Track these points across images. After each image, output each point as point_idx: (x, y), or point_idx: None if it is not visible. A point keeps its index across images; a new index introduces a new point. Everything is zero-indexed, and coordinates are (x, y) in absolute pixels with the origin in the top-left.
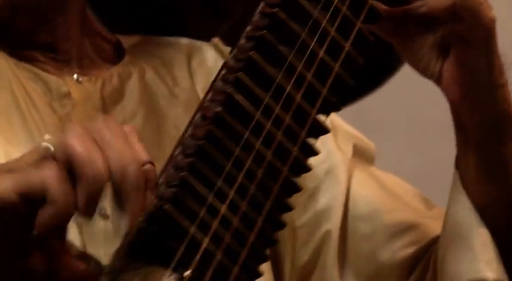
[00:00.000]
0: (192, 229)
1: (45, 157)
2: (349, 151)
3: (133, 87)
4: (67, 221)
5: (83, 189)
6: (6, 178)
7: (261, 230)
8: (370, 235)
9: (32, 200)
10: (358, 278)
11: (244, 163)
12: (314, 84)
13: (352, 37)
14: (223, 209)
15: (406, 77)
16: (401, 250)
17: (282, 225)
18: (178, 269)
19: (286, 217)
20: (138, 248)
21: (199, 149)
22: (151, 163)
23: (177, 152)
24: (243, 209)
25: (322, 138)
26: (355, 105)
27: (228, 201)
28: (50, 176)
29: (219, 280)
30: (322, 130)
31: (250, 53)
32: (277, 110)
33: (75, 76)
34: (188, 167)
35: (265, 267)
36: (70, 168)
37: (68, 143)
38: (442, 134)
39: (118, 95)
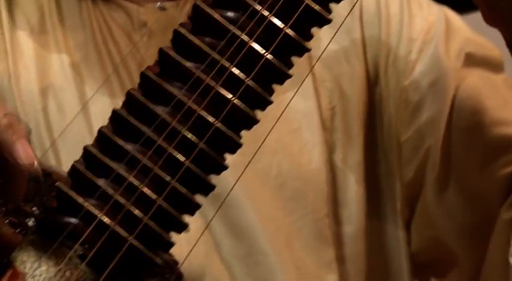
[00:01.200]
0: (85, 203)
1: None
2: (461, 59)
3: None
4: None
5: None
6: None
7: (173, 194)
8: (477, 148)
9: None
10: (462, 194)
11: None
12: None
13: None
14: (129, 175)
15: None
16: (503, 167)
17: (210, 187)
18: (76, 245)
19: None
20: (42, 225)
21: (113, 115)
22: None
23: None
24: (153, 172)
25: (429, 45)
26: None
27: (133, 165)
28: None
29: (115, 251)
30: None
31: None
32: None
33: (158, 4)
34: (97, 138)
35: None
36: None
37: None
38: None
39: None
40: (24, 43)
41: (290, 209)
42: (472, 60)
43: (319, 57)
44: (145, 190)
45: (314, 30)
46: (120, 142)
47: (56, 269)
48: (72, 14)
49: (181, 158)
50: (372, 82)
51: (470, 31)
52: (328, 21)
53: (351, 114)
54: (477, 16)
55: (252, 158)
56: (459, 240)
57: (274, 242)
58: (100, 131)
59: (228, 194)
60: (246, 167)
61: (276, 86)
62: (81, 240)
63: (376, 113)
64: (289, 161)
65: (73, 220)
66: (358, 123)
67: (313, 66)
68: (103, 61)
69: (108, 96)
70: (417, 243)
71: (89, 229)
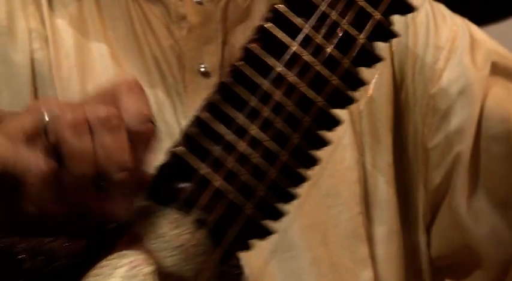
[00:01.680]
0: (204, 169)
1: (38, 129)
2: (487, 68)
3: (259, 7)
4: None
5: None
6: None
7: (285, 167)
8: (506, 155)
9: (12, 178)
10: (491, 200)
11: (272, 97)
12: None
13: None
14: (241, 146)
15: None
16: None
17: (314, 161)
18: (191, 211)
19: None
20: (155, 192)
21: (221, 87)
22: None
23: None
24: (266, 145)
25: (455, 54)
26: None
27: (248, 137)
28: (33, 164)
29: (232, 220)
30: (373, 58)
31: None
32: (318, 39)
33: None
34: (206, 106)
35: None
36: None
37: (62, 123)
38: None
39: (242, 16)
40: (65, 32)
41: (326, 205)
42: (496, 69)
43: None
44: (258, 160)
45: None
46: (231, 111)
47: (173, 233)
48: (110, 5)
49: (288, 131)
50: (398, 88)
51: (492, 42)
52: (412, 10)
53: (378, 118)
54: (494, 28)
55: None
56: (487, 245)
57: (310, 237)
58: (209, 100)
59: None
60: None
61: None
62: (198, 205)
63: (402, 119)
64: (324, 158)
65: (188, 185)
66: (385, 127)
67: None
68: (143, 52)
69: (148, 87)
70: (438, 247)
71: (205, 194)
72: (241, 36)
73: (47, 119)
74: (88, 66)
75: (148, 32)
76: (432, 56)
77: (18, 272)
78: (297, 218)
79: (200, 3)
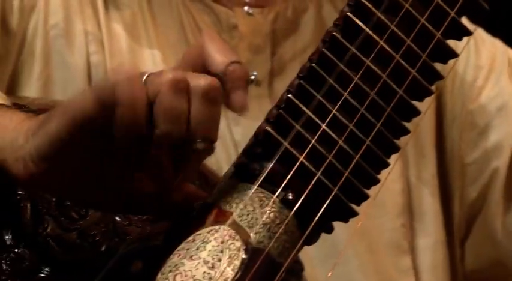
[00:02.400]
0: (291, 149)
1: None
2: None
3: (308, 21)
4: (137, 125)
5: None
6: (88, 91)
7: (369, 152)
8: None
9: (108, 106)
10: None
11: (355, 84)
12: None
13: None
14: (328, 129)
15: None
16: None
17: (395, 148)
18: (278, 189)
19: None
20: (243, 169)
21: (309, 71)
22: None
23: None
24: (350, 129)
25: (495, 74)
26: None
27: (334, 122)
28: (122, 81)
29: (318, 200)
30: (449, 54)
31: None
32: (397, 31)
33: (245, 8)
34: (295, 88)
35: (436, 208)
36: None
37: (164, 78)
38: None
39: (290, 29)
40: (119, 36)
41: (372, 215)
42: None
43: None
44: (343, 145)
45: None
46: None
47: (260, 211)
48: (163, 12)
49: (371, 119)
50: (438, 103)
51: None
52: (486, 11)
53: (422, 131)
54: None
55: None
56: None
57: (356, 245)
58: (299, 83)
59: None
60: None
61: None
62: (284, 184)
63: (443, 132)
64: None
65: (275, 164)
66: (429, 139)
67: None
68: None
69: None
70: (472, 262)
71: (292, 173)
72: (290, 48)
73: (148, 74)
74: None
75: (199, 39)
76: (472, 74)
77: (95, 254)
78: (344, 225)
79: (251, 14)
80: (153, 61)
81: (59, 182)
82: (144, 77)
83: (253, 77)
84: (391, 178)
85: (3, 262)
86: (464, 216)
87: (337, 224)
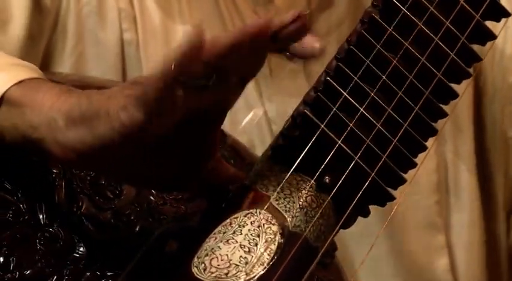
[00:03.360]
0: (329, 133)
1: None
2: None
3: None
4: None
5: None
6: (132, 108)
7: (406, 136)
8: None
9: (158, 115)
10: None
11: (394, 66)
12: None
13: None
14: (366, 112)
15: None
16: None
17: (433, 131)
18: (315, 173)
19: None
20: (280, 152)
21: (348, 52)
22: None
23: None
24: (388, 112)
25: None
26: None
27: (372, 105)
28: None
29: (356, 184)
30: (487, 35)
31: None
32: (436, 13)
33: None
34: (334, 70)
35: (473, 183)
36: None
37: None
38: None
39: (326, 2)
40: (152, 12)
41: (407, 193)
42: None
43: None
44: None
45: None
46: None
47: (297, 195)
48: None
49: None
50: (478, 77)
51: None
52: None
53: (459, 106)
54: None
55: None
56: None
57: (389, 225)
58: (337, 65)
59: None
60: None
61: None
62: (321, 168)
63: (481, 108)
64: None
65: (313, 148)
66: (466, 115)
67: None
68: None
69: None
70: None
71: (329, 157)
72: (324, 23)
73: None
74: (174, 46)
75: (234, 14)
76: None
77: (130, 233)
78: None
79: None
80: None
81: (98, 167)
82: None
83: (288, 53)
84: (425, 154)
85: (37, 241)
86: (510, 190)
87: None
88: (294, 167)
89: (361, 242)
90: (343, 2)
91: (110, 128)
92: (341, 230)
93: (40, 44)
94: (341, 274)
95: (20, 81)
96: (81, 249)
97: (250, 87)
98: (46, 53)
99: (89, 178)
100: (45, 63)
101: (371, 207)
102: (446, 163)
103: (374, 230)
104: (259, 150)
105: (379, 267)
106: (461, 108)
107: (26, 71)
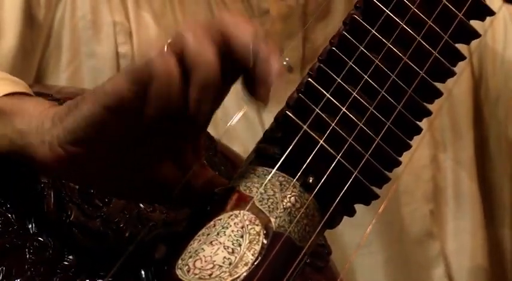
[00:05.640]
0: (310, 132)
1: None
2: None
3: (338, 4)
4: (172, 100)
5: (194, 81)
6: (119, 74)
7: (390, 135)
8: None
9: (142, 85)
10: None
11: (375, 66)
12: None
13: None
14: (349, 111)
15: None
16: None
17: (417, 129)
18: (298, 173)
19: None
20: (263, 154)
21: (329, 53)
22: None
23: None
24: (370, 111)
25: None
26: None
27: (354, 104)
28: (155, 57)
29: (339, 183)
30: (471, 34)
31: None
32: (418, 12)
33: None
34: (315, 71)
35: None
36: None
37: (182, 35)
38: None
39: (322, 12)
40: (148, 26)
41: (402, 203)
42: None
43: None
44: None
45: None
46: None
47: (281, 195)
48: (193, 0)
49: (391, 100)
50: (478, 84)
51: None
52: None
53: (459, 113)
54: None
55: None
56: None
57: (386, 234)
58: (319, 66)
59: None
60: None
61: None
62: (304, 167)
63: (483, 114)
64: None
65: (294, 148)
66: (466, 121)
67: None
68: None
69: None
70: None
71: (312, 157)
72: (321, 33)
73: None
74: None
75: None
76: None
77: (119, 241)
78: (376, 214)
79: None
80: None
81: (85, 168)
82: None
83: (285, 63)
84: (421, 164)
85: (26, 250)
86: None
87: (368, 213)
88: (276, 167)
89: (361, 251)
90: (339, 12)
91: (93, 101)
92: (341, 235)
93: (33, 58)
94: (336, 277)
95: (8, 94)
96: (71, 257)
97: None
98: (40, 67)
99: (77, 186)
100: (40, 77)
101: (370, 215)
102: (445, 171)
103: (372, 239)
104: None
105: (378, 275)
106: (460, 114)
107: (14, 85)
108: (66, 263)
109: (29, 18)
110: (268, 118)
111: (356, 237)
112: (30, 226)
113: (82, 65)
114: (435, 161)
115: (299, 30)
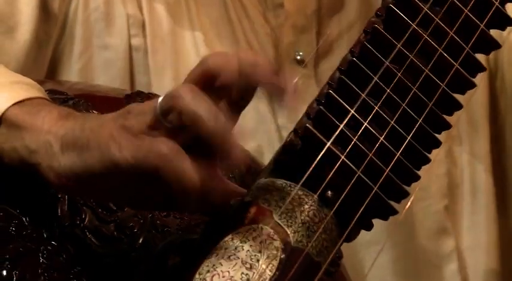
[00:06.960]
0: (331, 147)
1: (157, 119)
2: None
3: None
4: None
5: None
6: (123, 144)
7: (410, 149)
8: None
9: (145, 172)
10: None
11: (398, 78)
12: None
13: None
14: (370, 125)
15: None
16: None
17: (436, 143)
18: (317, 188)
19: None
20: (282, 166)
21: (350, 64)
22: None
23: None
24: (391, 126)
25: None
26: None
27: (375, 118)
28: (163, 151)
29: (359, 198)
30: (491, 44)
31: None
32: (440, 23)
33: None
34: (337, 82)
35: (489, 183)
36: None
37: (179, 103)
38: None
39: (337, 5)
40: (162, 18)
41: (417, 198)
42: None
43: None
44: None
45: None
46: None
47: (300, 209)
48: None
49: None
50: (493, 76)
51: None
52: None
53: (475, 106)
54: None
55: None
56: None
57: (399, 231)
58: (340, 77)
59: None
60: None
61: None
62: (323, 182)
63: (498, 106)
64: None
65: (314, 162)
66: (482, 114)
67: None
68: (237, 39)
69: None
70: None
71: (331, 172)
72: (335, 27)
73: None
74: (182, 52)
75: (243, 18)
76: None
77: (133, 246)
78: None
79: None
80: (194, 43)
81: (95, 191)
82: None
83: (298, 58)
84: (438, 159)
85: (40, 255)
86: None
87: None
88: (296, 182)
89: (371, 249)
90: (353, 5)
91: (99, 160)
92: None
93: (47, 50)
94: None
95: (20, 101)
96: (84, 262)
97: (260, 92)
98: (53, 58)
99: None
100: (53, 69)
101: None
102: (461, 165)
103: (383, 238)
104: (267, 156)
105: (388, 274)
106: (476, 108)
107: (27, 89)
108: (80, 268)
109: (45, 11)
110: (282, 114)
111: (366, 234)
112: (43, 230)
113: (94, 57)
114: (450, 155)
115: (313, 24)
